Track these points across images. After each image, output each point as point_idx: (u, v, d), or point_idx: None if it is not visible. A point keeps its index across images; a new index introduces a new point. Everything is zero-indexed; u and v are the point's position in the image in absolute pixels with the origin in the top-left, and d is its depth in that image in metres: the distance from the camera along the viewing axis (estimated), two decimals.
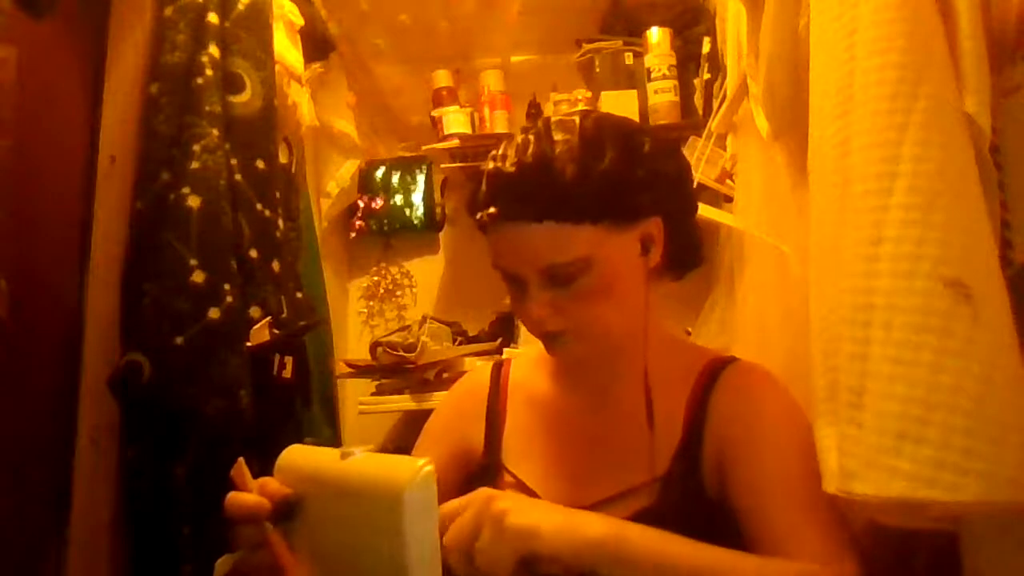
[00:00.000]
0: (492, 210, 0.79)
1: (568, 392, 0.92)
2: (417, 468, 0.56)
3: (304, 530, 0.64)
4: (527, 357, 1.00)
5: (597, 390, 0.90)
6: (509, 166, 0.78)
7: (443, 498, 0.82)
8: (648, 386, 0.84)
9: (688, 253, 0.90)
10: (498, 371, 0.99)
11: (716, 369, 0.87)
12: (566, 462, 0.87)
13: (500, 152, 0.81)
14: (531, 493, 0.85)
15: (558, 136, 0.78)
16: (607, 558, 0.67)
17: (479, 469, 0.92)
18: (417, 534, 0.56)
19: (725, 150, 1.52)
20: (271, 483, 0.66)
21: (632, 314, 0.84)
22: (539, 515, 0.68)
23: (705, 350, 0.93)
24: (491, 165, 0.80)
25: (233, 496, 0.66)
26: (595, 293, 0.79)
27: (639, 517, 0.75)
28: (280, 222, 1.41)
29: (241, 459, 0.69)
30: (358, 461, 0.61)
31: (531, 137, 0.79)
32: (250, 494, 0.66)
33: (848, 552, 0.72)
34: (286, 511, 0.64)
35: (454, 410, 1.00)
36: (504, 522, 0.66)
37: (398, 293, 2.24)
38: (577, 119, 0.80)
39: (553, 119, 0.81)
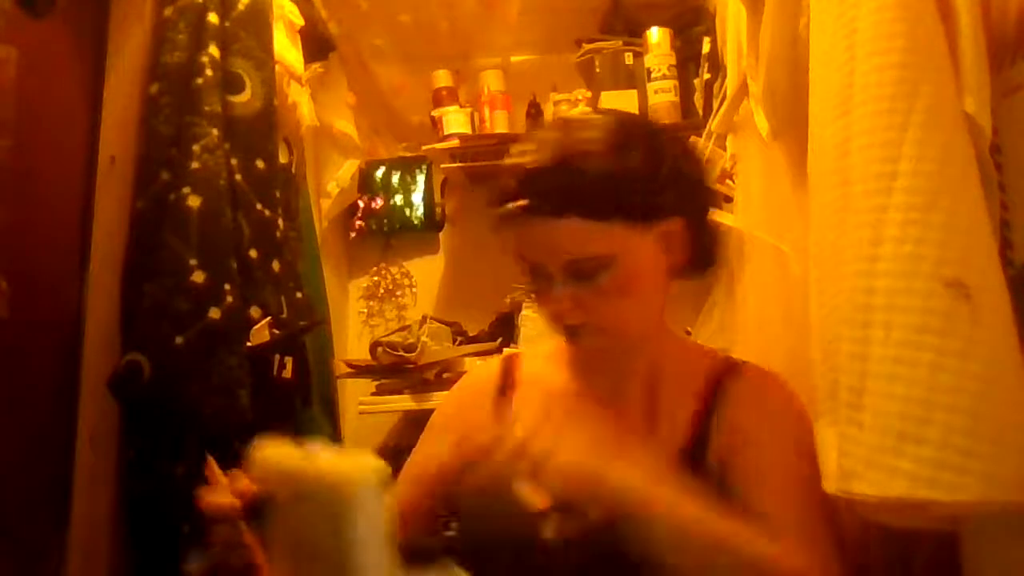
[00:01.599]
0: (518, 202, 0.80)
1: (580, 386, 0.93)
2: (368, 467, 0.58)
3: (276, 528, 0.65)
4: (540, 351, 1.01)
5: (608, 385, 0.91)
6: (536, 160, 0.79)
7: (445, 489, 0.88)
8: (656, 384, 0.86)
9: (706, 253, 0.91)
10: (508, 364, 1.00)
11: (727, 372, 0.88)
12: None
13: (527, 146, 0.81)
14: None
15: (586, 133, 0.79)
16: (647, 513, 0.69)
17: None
18: (366, 532, 0.57)
19: (725, 150, 1.52)
20: (242, 480, 0.67)
21: (650, 311, 0.86)
22: (612, 463, 0.70)
23: (716, 353, 0.94)
24: (518, 159, 0.81)
25: (207, 496, 0.68)
26: (616, 289, 0.81)
27: None
28: (280, 222, 1.41)
29: (211, 458, 0.71)
30: (317, 459, 0.63)
31: (559, 133, 0.81)
32: (224, 496, 0.67)
33: (822, 551, 0.72)
34: (257, 510, 0.66)
35: (462, 400, 1.01)
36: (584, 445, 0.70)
37: (398, 293, 2.23)
38: (604, 117, 0.82)
39: (581, 116, 0.83)
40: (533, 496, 0.78)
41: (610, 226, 0.78)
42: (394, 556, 0.59)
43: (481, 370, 1.03)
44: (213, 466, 0.70)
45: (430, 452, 0.97)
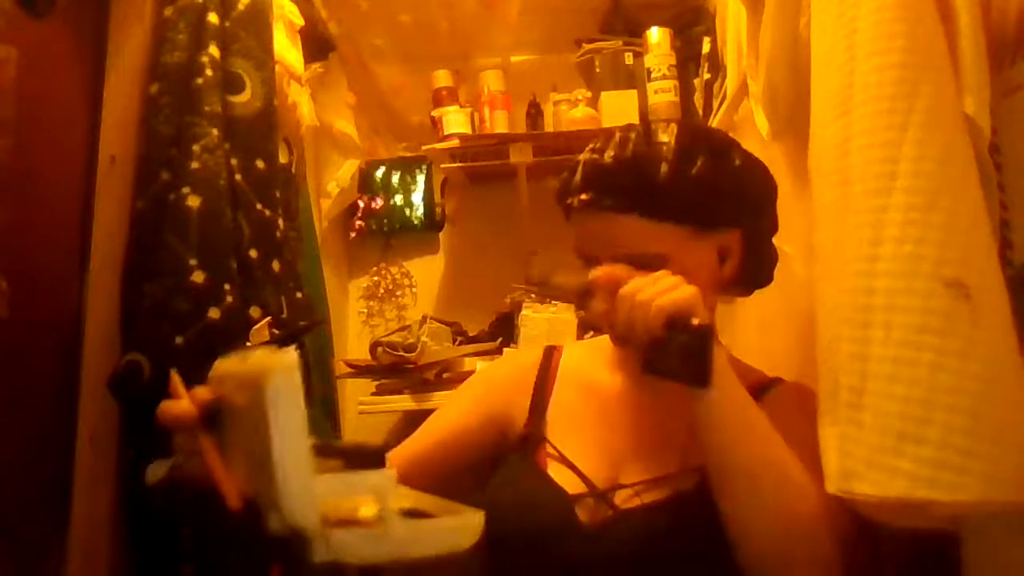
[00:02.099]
0: (584, 196, 0.84)
1: (620, 381, 0.95)
2: (279, 358, 0.58)
3: (230, 434, 0.65)
4: (583, 345, 1.05)
5: (646, 388, 0.91)
6: (607, 158, 0.83)
7: (472, 462, 0.93)
8: None
9: (760, 272, 0.94)
10: (550, 352, 1.02)
11: (766, 384, 0.91)
12: (610, 443, 0.89)
13: (599, 145, 0.86)
14: (571, 466, 0.87)
15: (657, 138, 0.84)
16: (717, 391, 0.73)
17: (520, 438, 0.94)
18: (281, 421, 0.56)
19: None
20: (201, 391, 0.69)
21: None
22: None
23: (756, 369, 0.96)
24: (588, 156, 0.86)
25: (164, 404, 0.68)
26: None
27: (677, 499, 0.80)
28: (280, 222, 1.41)
29: (175, 372, 0.71)
30: (248, 358, 0.63)
31: (631, 135, 0.85)
32: (180, 401, 0.68)
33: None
34: (211, 416, 0.66)
35: (501, 378, 1.03)
36: (683, 285, 0.74)
37: (398, 293, 2.23)
38: (676, 126, 0.86)
39: (654, 124, 0.87)
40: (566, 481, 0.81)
41: (668, 227, 0.82)
42: (311, 453, 0.58)
43: (523, 355, 1.05)
44: (176, 380, 0.70)
45: (455, 417, 0.99)
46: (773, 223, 0.93)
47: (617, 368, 0.96)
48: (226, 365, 0.68)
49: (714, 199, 0.83)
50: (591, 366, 0.97)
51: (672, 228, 0.82)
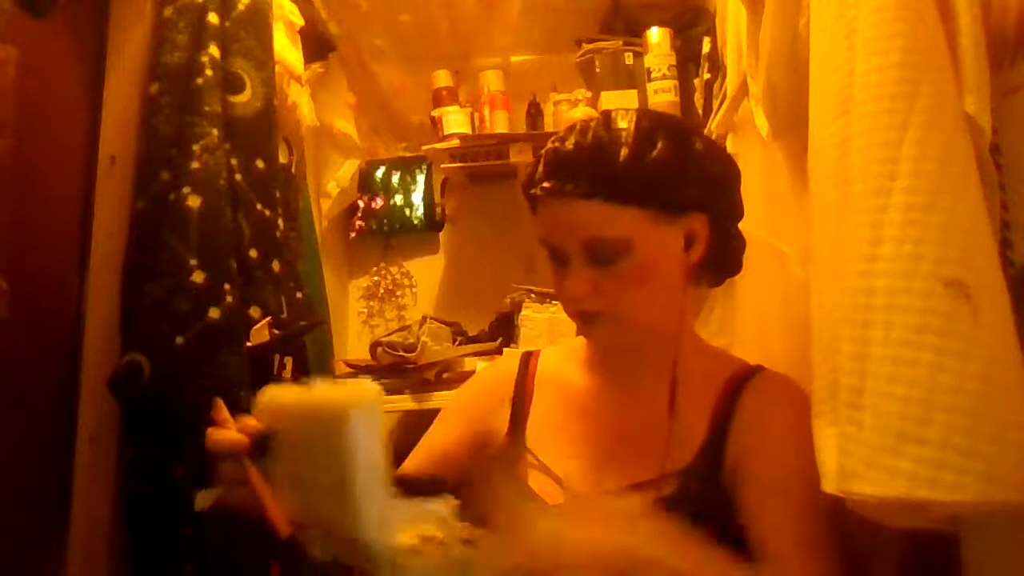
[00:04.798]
0: (547, 184, 0.83)
1: (596, 382, 0.94)
2: (363, 390, 0.60)
3: (280, 464, 0.66)
4: (558, 348, 1.03)
5: (625, 381, 0.92)
6: (568, 146, 0.83)
7: (458, 474, 0.87)
8: (675, 379, 0.87)
9: (728, 258, 0.93)
10: (527, 360, 1.01)
11: (746, 375, 0.89)
12: (590, 449, 0.89)
13: (561, 135, 0.86)
14: (554, 477, 0.87)
15: (617, 125, 0.83)
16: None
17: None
18: (363, 452, 0.58)
19: None
20: (249, 421, 0.69)
21: (667, 307, 0.87)
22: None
23: (735, 357, 0.95)
24: (550, 146, 0.86)
25: (213, 432, 0.69)
26: (634, 277, 0.83)
27: (661, 504, 0.79)
28: (280, 222, 1.41)
29: (219, 400, 0.72)
30: (317, 390, 0.64)
31: (591, 124, 0.85)
32: (229, 431, 0.68)
33: (823, 563, 0.74)
34: (262, 445, 0.67)
35: (480, 392, 1.03)
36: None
37: (398, 293, 2.24)
38: (635, 114, 0.85)
39: (613, 112, 0.86)
40: None
41: (632, 211, 0.81)
42: (389, 482, 0.60)
43: (500, 364, 1.04)
44: (221, 407, 0.71)
45: (441, 437, 0.99)
46: (738, 207, 0.93)
47: (592, 369, 0.95)
48: (279, 395, 0.69)
49: (676, 181, 0.83)
50: (567, 369, 0.97)
51: (636, 212, 0.81)
